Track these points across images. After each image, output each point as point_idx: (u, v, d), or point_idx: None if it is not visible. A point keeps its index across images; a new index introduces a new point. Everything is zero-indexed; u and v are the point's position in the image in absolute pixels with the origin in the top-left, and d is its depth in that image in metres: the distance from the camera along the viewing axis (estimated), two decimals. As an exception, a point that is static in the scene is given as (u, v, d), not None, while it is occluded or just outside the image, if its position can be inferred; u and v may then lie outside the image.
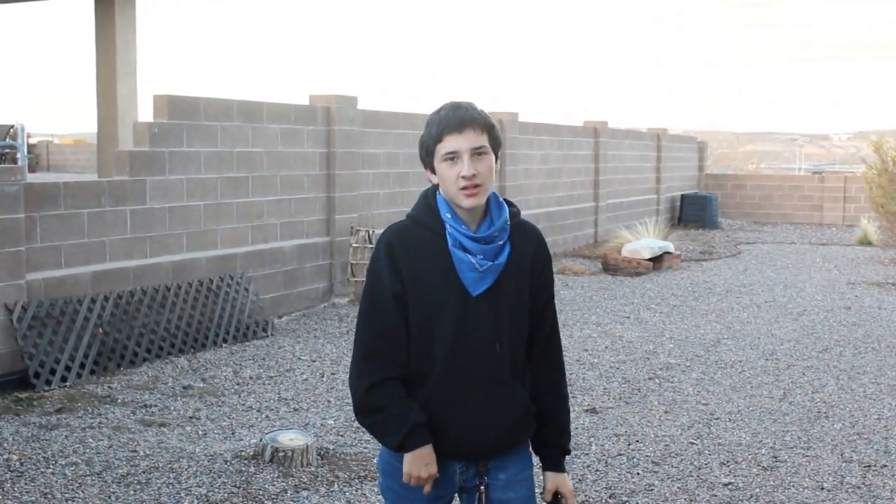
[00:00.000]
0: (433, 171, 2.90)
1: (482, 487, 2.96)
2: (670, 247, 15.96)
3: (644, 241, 15.84)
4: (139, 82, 15.05)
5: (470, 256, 2.86)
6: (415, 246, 2.89)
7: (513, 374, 2.95)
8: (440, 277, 2.87)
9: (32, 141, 41.94)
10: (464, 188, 2.82)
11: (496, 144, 2.89)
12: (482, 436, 2.92)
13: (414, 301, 2.88)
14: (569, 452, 3.14)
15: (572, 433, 3.60)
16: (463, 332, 2.87)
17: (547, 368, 3.06)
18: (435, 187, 2.95)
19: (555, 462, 3.07)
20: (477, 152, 2.82)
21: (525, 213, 11.37)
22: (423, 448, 2.86)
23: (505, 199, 3.01)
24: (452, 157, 2.82)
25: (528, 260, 2.97)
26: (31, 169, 34.22)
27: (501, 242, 2.90)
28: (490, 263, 2.87)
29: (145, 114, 19.53)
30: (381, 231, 11.97)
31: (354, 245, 11.62)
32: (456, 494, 3.03)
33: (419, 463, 2.86)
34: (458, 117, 2.83)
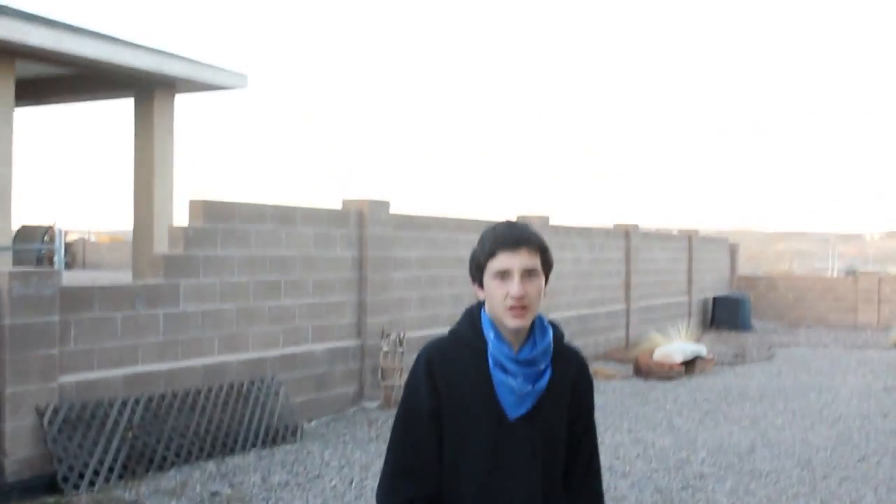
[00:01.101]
0: (481, 286, 2.88)
1: None
2: (703, 350, 15.84)
3: (676, 345, 15.74)
4: (175, 183, 15.32)
5: (510, 378, 2.82)
6: (455, 363, 2.87)
7: (545, 502, 2.88)
8: (478, 397, 2.84)
9: (70, 238, 42.52)
10: (511, 308, 2.80)
11: (548, 267, 2.89)
12: None
13: (449, 420, 2.83)
14: None
15: None
16: (496, 455, 2.82)
17: (584, 498, 2.99)
18: (480, 304, 2.94)
19: None
20: (528, 273, 2.81)
21: (556, 316, 11.37)
22: None
23: (550, 322, 2.99)
24: (503, 275, 2.81)
25: (568, 386, 2.93)
26: (68, 266, 34.65)
27: (543, 367, 2.87)
28: (530, 388, 2.83)
29: (180, 214, 19.82)
30: (412, 334, 11.99)
31: (385, 349, 11.62)
32: None
33: None
34: (513, 236, 2.82)
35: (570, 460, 2.96)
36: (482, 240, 2.87)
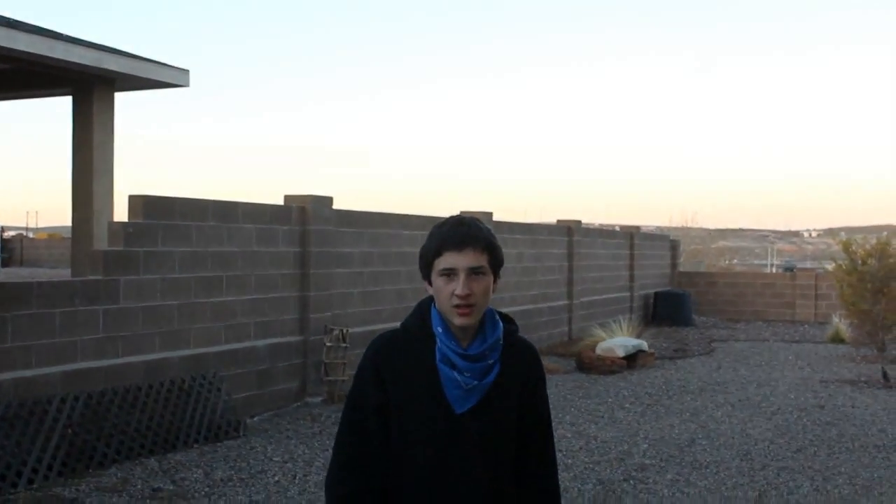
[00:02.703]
0: (430, 283, 2.86)
1: None
2: (644, 345, 16.01)
3: (618, 340, 15.89)
4: (115, 181, 15.11)
5: (456, 374, 2.81)
6: (402, 357, 2.86)
7: (493, 496, 2.86)
8: (424, 392, 2.83)
9: (7, 235, 41.81)
10: (457, 306, 2.78)
11: (497, 264, 2.86)
12: None
13: (395, 413, 2.83)
14: None
15: None
16: (442, 449, 2.82)
17: (535, 492, 2.96)
18: (431, 299, 2.92)
19: None
20: (475, 272, 2.79)
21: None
22: None
23: (503, 315, 2.98)
24: (449, 273, 2.79)
25: (519, 379, 2.92)
26: (5, 264, 34.06)
27: (491, 362, 2.85)
28: (476, 383, 2.81)
29: (121, 212, 19.56)
30: (355, 330, 11.97)
31: (328, 344, 11.59)
32: None
33: None
34: (460, 234, 2.80)
35: (520, 454, 2.94)
36: (430, 236, 2.86)
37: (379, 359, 2.87)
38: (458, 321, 2.80)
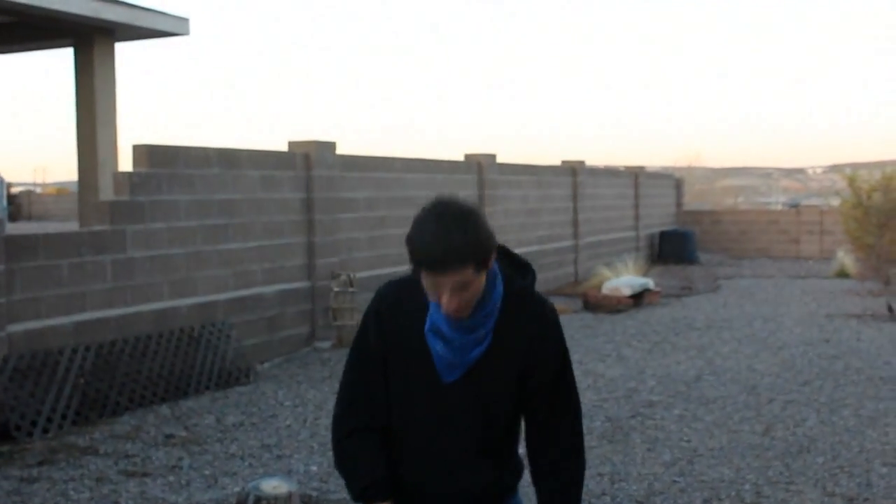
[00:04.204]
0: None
1: None
2: (650, 283, 16.06)
3: (624, 279, 15.94)
4: (119, 131, 15.10)
5: (441, 346, 2.73)
6: (404, 312, 2.79)
7: (484, 452, 2.84)
8: (416, 354, 2.77)
9: (14, 191, 41.84)
10: (445, 312, 2.65)
11: (485, 264, 2.62)
12: (452, 499, 2.87)
13: (392, 363, 2.82)
14: None
15: None
16: (431, 411, 2.81)
17: (550, 452, 2.87)
18: None
19: None
20: (460, 285, 2.59)
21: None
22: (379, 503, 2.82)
23: (517, 261, 2.83)
24: (433, 286, 2.62)
25: (518, 349, 2.77)
26: (13, 219, 34.11)
27: (482, 332, 2.72)
28: (458, 360, 2.73)
29: (126, 163, 19.56)
30: (362, 274, 12.02)
31: (336, 289, 11.64)
32: None
33: None
34: (439, 256, 2.55)
35: (528, 418, 2.87)
36: (413, 235, 2.62)
37: (381, 308, 2.83)
38: (450, 318, 2.69)
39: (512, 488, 2.95)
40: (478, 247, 2.58)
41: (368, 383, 2.86)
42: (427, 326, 2.74)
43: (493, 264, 2.72)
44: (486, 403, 2.79)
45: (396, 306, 2.82)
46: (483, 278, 2.65)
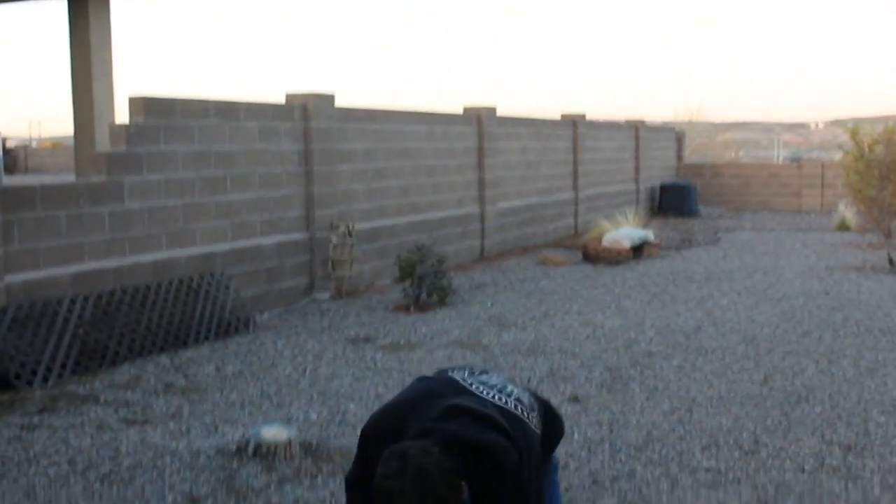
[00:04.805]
0: None
1: None
2: (650, 235, 16.03)
3: (624, 231, 15.91)
4: (115, 83, 14.98)
5: None
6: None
7: None
8: None
9: (10, 145, 41.69)
10: None
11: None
12: None
13: None
14: None
15: None
16: None
17: None
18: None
19: None
20: None
21: (505, 206, 11.51)
22: None
23: (475, 448, 3.23)
24: None
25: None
26: (9, 172, 34.00)
27: None
28: None
29: (122, 115, 19.46)
30: (360, 226, 11.99)
31: (335, 240, 11.62)
32: None
33: None
34: None
35: None
36: (377, 483, 3.05)
37: (368, 444, 3.42)
38: None
39: None
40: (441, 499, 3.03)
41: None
42: None
43: None
44: None
45: (382, 439, 3.31)
46: None
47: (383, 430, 3.36)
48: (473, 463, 3.14)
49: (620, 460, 5.89)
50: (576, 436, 6.33)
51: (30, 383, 7.52)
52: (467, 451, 3.14)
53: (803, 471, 5.71)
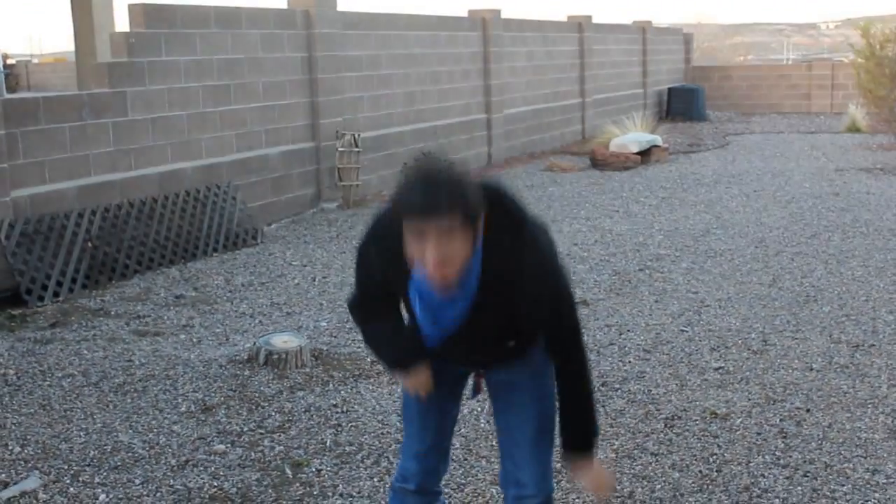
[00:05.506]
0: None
1: (481, 372, 3.11)
2: (658, 140, 15.91)
3: (631, 136, 15.79)
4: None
5: (425, 312, 2.79)
6: (393, 255, 2.66)
7: (510, 354, 2.96)
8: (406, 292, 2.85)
9: (11, 62, 41.37)
10: (429, 268, 2.51)
11: (475, 214, 2.52)
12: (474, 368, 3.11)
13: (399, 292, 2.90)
14: (591, 447, 2.97)
15: None
16: (444, 340, 2.88)
17: (561, 375, 2.94)
18: None
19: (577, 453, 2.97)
20: (447, 233, 2.47)
21: (511, 112, 11.39)
22: (416, 371, 2.97)
23: (490, 194, 2.62)
24: (418, 234, 2.49)
25: (505, 278, 2.68)
26: (11, 89, 33.82)
27: (461, 303, 2.70)
28: (440, 330, 2.81)
29: (122, 24, 19.23)
30: (367, 134, 11.91)
31: (341, 149, 11.55)
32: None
33: (414, 382, 3.00)
34: (422, 204, 2.45)
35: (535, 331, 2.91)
36: (400, 190, 2.53)
37: (370, 255, 2.84)
38: (434, 287, 2.62)
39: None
40: (465, 201, 2.48)
41: (375, 299, 2.96)
42: (411, 286, 2.76)
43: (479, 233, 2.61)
44: (494, 334, 2.85)
45: (385, 251, 2.77)
46: (471, 234, 2.53)
47: (383, 234, 2.79)
48: (500, 215, 2.66)
49: (629, 362, 5.92)
50: (585, 339, 6.34)
51: (40, 298, 7.55)
52: (495, 204, 2.65)
53: (811, 369, 5.74)
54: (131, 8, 9.20)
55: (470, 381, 3.17)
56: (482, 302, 2.69)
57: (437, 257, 2.47)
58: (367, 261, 2.86)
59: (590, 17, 19.81)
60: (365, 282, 2.93)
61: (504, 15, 16.04)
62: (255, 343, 6.03)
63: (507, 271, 2.65)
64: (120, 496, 4.24)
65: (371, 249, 2.83)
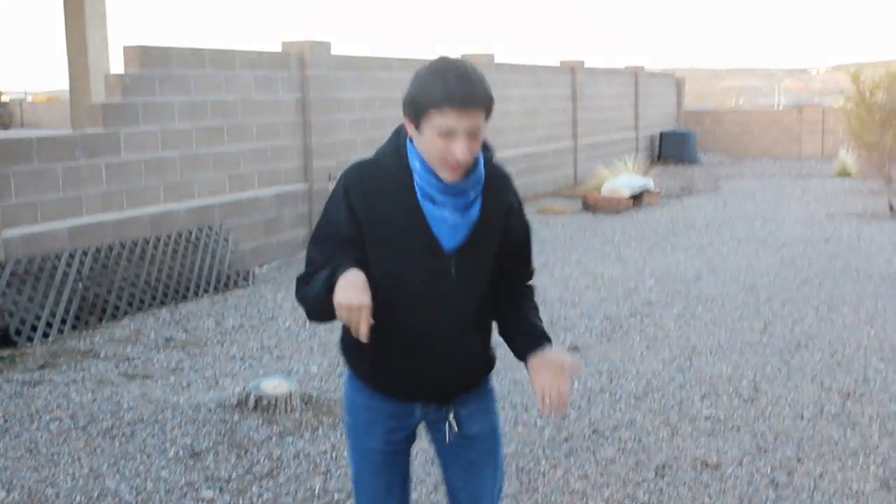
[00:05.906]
0: (417, 127, 2.65)
1: (451, 416, 2.92)
2: (650, 184, 15.97)
3: (623, 179, 15.85)
4: (109, 33, 14.86)
5: (440, 209, 2.70)
6: (377, 193, 2.72)
7: (475, 325, 2.88)
8: (407, 228, 2.72)
9: (4, 99, 41.46)
10: (450, 166, 2.63)
11: (490, 115, 2.67)
12: (441, 380, 2.88)
13: (377, 248, 2.74)
14: (549, 340, 2.95)
15: None
16: (427, 283, 2.76)
17: (515, 302, 2.98)
18: (404, 129, 2.75)
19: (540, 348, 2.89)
20: (473, 134, 2.61)
21: (504, 155, 11.32)
22: (350, 272, 2.58)
23: (482, 143, 2.83)
24: (447, 133, 2.58)
25: (499, 211, 2.84)
26: (5, 126, 33.86)
27: (473, 196, 2.74)
28: (460, 220, 2.73)
29: (117, 65, 19.33)
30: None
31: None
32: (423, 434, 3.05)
33: (349, 290, 2.54)
34: (465, 94, 2.56)
35: (498, 281, 2.91)
36: (426, 84, 2.58)
37: (350, 195, 2.72)
38: (447, 178, 2.66)
39: (492, 367, 3.00)
40: (492, 97, 2.64)
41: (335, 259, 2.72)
42: (420, 195, 2.71)
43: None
44: (479, 271, 2.83)
45: (367, 189, 2.73)
46: (482, 135, 2.68)
47: (371, 174, 2.78)
48: (489, 162, 2.83)
49: (620, 409, 5.90)
50: (576, 385, 6.34)
51: (30, 339, 7.52)
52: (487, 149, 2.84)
53: (802, 418, 5.73)
54: (127, 50, 9.24)
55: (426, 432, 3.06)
56: (479, 229, 2.78)
57: (464, 157, 2.61)
58: (343, 206, 2.73)
59: (582, 62, 19.95)
60: (326, 240, 2.76)
61: (497, 60, 16.15)
62: (244, 387, 6.00)
63: (499, 208, 2.84)
64: (106, 543, 4.20)
65: (351, 197, 2.72)
